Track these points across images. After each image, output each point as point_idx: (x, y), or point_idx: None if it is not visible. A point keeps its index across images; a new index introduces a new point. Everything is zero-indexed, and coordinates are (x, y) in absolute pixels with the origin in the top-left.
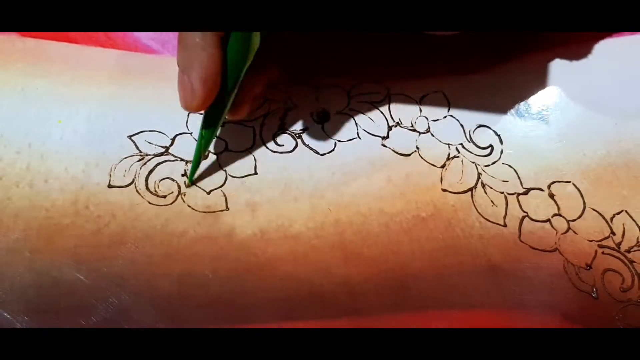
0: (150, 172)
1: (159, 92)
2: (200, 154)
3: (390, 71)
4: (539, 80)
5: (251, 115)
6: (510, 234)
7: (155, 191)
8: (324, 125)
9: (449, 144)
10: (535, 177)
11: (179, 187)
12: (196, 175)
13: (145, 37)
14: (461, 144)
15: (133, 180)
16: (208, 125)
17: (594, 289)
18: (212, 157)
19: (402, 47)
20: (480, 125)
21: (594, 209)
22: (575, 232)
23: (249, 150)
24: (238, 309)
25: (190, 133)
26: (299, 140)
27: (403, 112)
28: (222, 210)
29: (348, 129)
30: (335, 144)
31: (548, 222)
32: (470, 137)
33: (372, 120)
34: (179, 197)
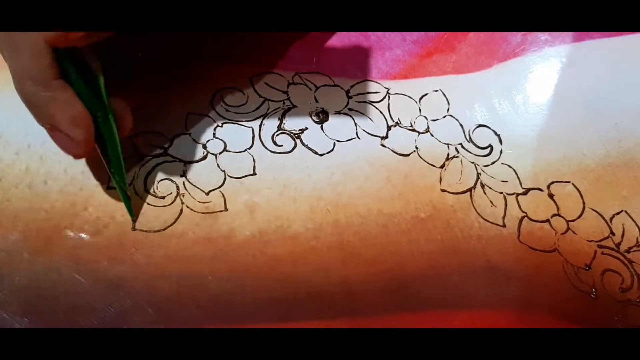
0: (149, 173)
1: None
2: (124, 191)
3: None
4: (539, 80)
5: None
6: (509, 234)
7: (154, 192)
8: (323, 125)
9: (448, 144)
10: (535, 177)
11: (177, 188)
12: (193, 177)
13: None
14: (460, 144)
15: (132, 181)
16: (112, 160)
17: (594, 289)
18: (210, 158)
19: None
20: (479, 125)
21: (593, 209)
22: (574, 233)
23: (247, 150)
24: (237, 310)
25: (189, 134)
26: (297, 141)
27: (402, 112)
28: (220, 211)
29: (347, 129)
30: (335, 144)
31: (547, 223)
32: (470, 137)
33: (371, 120)
34: (178, 198)
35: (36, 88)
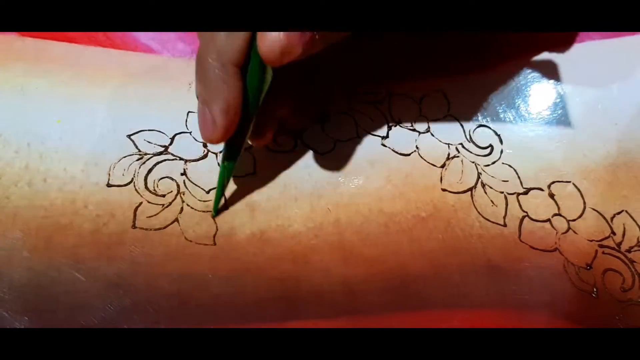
0: (149, 171)
1: (158, 91)
2: (224, 185)
3: (392, 72)
4: (539, 80)
5: (277, 139)
6: (510, 233)
7: (155, 190)
8: (323, 125)
9: (448, 144)
10: (535, 177)
11: (178, 186)
12: (193, 175)
13: (145, 36)
14: (461, 143)
15: (132, 179)
16: (230, 156)
17: (595, 289)
18: (211, 157)
19: (402, 47)
20: (480, 125)
21: (594, 209)
22: (575, 232)
23: (248, 149)
24: (237, 309)
25: (190, 132)
26: (298, 140)
27: (403, 112)
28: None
29: (348, 129)
30: (335, 143)
31: (548, 222)
32: (470, 137)
33: (371, 120)
34: (178, 196)
35: (215, 64)
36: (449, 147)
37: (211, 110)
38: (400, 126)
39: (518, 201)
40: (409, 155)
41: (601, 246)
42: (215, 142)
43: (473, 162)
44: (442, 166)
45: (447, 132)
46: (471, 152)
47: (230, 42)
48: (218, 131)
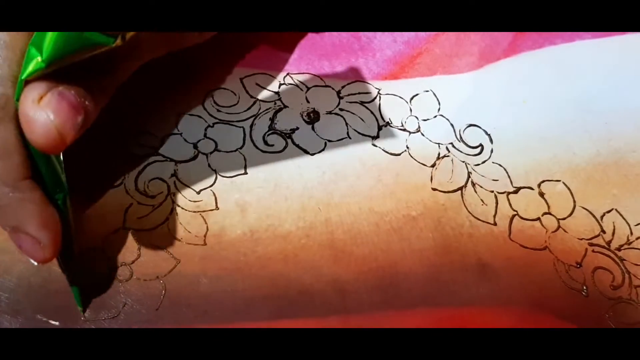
0: (140, 172)
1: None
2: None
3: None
4: (530, 80)
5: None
6: (500, 232)
7: (145, 191)
8: (314, 125)
9: (439, 144)
10: (526, 176)
11: (168, 187)
12: (184, 176)
13: None
14: (451, 143)
15: (122, 180)
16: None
17: (584, 287)
18: (201, 157)
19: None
20: (470, 125)
21: (584, 208)
22: (565, 231)
23: (239, 150)
24: (228, 308)
25: (180, 134)
26: (289, 140)
27: (393, 111)
28: (211, 210)
29: (338, 129)
30: (326, 143)
31: (538, 221)
32: (461, 137)
33: (362, 120)
34: (169, 197)
35: (4, 190)
36: (439, 146)
37: (29, 233)
38: (391, 126)
39: (508, 200)
40: (399, 155)
41: (591, 244)
42: (51, 258)
43: (463, 162)
44: (433, 166)
45: (438, 131)
46: (461, 152)
47: (7, 162)
48: (48, 249)
